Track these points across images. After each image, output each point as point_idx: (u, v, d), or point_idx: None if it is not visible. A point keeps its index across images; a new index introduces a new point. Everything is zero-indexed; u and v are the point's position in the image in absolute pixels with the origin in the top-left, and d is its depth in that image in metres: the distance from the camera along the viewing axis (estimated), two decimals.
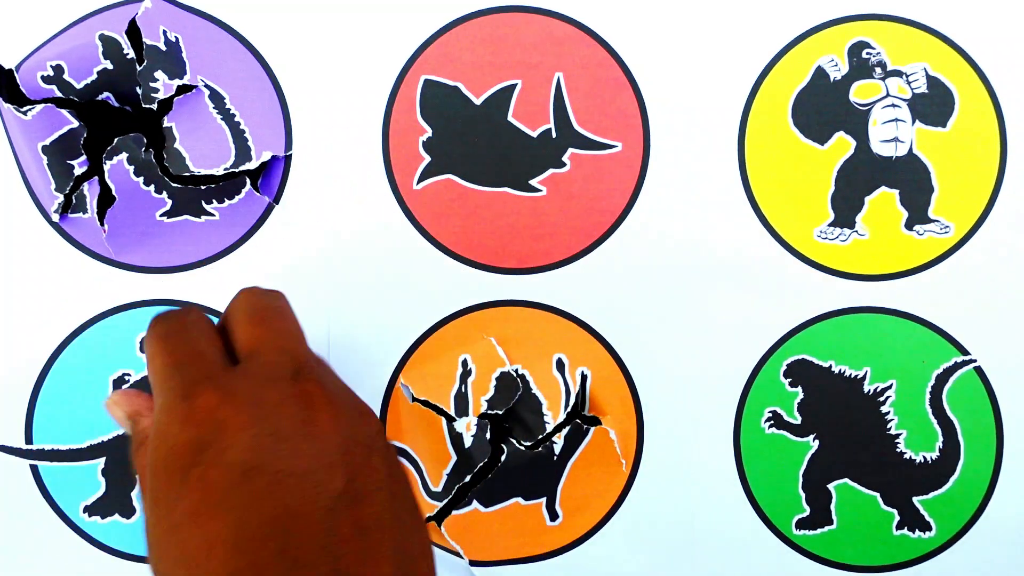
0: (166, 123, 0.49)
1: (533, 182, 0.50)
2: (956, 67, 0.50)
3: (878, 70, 0.50)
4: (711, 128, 0.50)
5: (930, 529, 0.51)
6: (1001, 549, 0.50)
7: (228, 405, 0.28)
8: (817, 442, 0.51)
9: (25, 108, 0.47)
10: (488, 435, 0.50)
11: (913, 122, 0.50)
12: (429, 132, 0.50)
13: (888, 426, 0.50)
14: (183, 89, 0.49)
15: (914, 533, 0.50)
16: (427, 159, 0.50)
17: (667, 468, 0.50)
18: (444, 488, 0.50)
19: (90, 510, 0.50)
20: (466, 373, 0.50)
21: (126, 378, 0.50)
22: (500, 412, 0.50)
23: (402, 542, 0.27)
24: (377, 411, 0.50)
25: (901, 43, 0.50)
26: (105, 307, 0.50)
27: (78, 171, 0.49)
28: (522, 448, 0.50)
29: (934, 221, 0.51)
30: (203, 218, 0.50)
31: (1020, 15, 0.50)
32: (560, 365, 0.50)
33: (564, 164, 0.50)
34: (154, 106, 0.49)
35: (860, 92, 0.50)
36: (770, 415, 0.51)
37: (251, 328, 0.31)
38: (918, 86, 0.50)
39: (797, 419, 0.51)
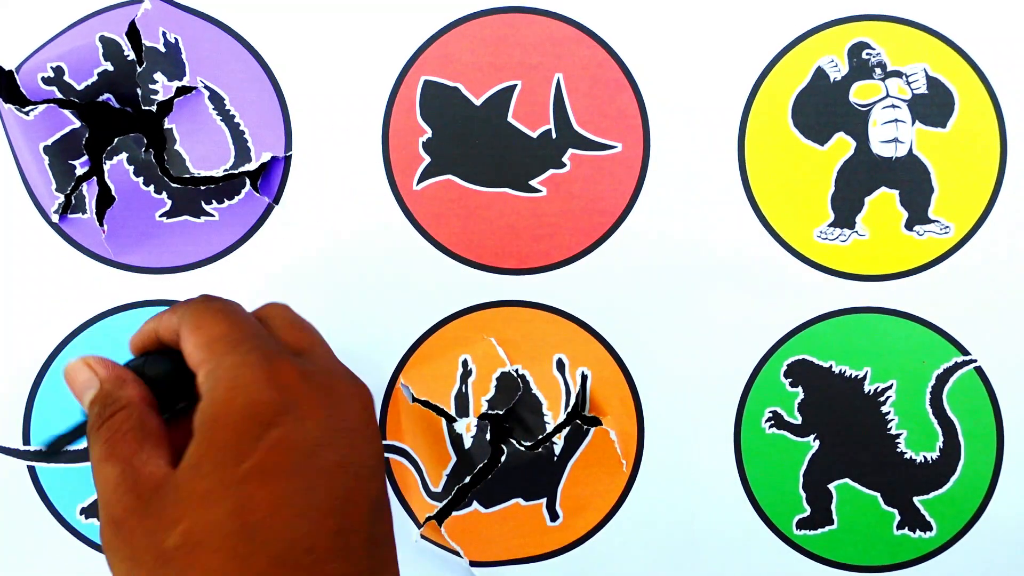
0: (166, 125, 0.49)
1: (533, 183, 0.50)
2: (956, 68, 0.50)
3: (878, 71, 0.50)
4: (711, 128, 0.50)
5: (931, 529, 0.50)
6: (1001, 549, 0.50)
7: (305, 383, 0.29)
8: (817, 442, 0.51)
9: (27, 108, 0.47)
10: (488, 435, 0.50)
11: (913, 123, 0.50)
12: (429, 133, 0.50)
13: (888, 426, 0.50)
14: (183, 90, 0.49)
15: (915, 533, 0.50)
16: (427, 160, 0.50)
17: (667, 468, 0.50)
18: (444, 489, 0.50)
19: (87, 512, 0.50)
20: (466, 373, 0.50)
21: None
22: (500, 412, 0.50)
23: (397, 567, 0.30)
24: (377, 411, 0.50)
25: (901, 44, 0.50)
26: (105, 307, 0.50)
27: (80, 171, 0.49)
28: (522, 448, 0.50)
29: (934, 221, 0.51)
30: (203, 219, 0.50)
31: (1020, 15, 0.50)
32: (560, 365, 0.50)
33: (564, 164, 0.50)
34: (154, 108, 0.49)
35: (860, 93, 0.50)
36: (770, 415, 0.51)
37: (294, 331, 0.32)
38: (918, 87, 0.50)
39: (797, 419, 0.51)
